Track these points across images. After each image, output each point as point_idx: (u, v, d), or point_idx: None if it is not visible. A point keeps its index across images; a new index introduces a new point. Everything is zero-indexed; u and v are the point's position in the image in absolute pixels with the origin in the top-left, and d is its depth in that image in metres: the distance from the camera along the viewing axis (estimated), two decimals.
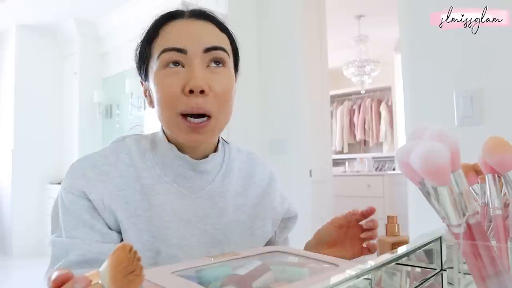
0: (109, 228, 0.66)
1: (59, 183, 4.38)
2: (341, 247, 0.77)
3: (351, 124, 5.48)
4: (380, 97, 5.30)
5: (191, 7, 0.72)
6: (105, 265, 0.32)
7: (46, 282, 0.62)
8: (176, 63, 0.66)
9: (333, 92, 5.22)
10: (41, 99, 4.45)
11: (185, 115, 0.65)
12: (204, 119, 0.66)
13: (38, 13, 4.06)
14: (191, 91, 0.64)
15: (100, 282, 0.31)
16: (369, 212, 0.77)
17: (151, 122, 3.78)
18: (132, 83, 3.85)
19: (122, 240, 0.66)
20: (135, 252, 0.32)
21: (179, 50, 0.66)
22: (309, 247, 0.79)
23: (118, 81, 4.21)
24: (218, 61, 0.68)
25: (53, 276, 0.32)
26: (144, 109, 3.94)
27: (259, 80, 2.55)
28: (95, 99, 4.37)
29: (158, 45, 0.68)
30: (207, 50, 0.66)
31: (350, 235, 0.77)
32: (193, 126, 0.65)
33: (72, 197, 0.65)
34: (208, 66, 0.67)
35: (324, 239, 0.78)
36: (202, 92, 0.64)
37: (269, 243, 0.80)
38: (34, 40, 4.42)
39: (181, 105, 0.65)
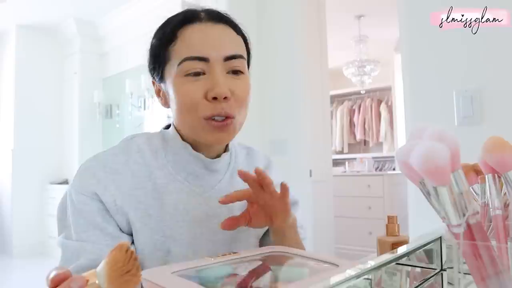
0: (121, 230, 0.65)
1: (59, 183, 4.40)
2: (273, 216, 0.70)
3: (351, 124, 5.48)
4: (380, 97, 5.29)
5: (187, 6, 0.72)
6: (102, 265, 0.32)
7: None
8: (198, 73, 0.66)
9: (333, 92, 5.22)
10: (41, 99, 4.45)
11: (208, 118, 0.66)
12: (229, 120, 0.67)
13: (38, 13, 4.06)
14: (214, 98, 0.65)
15: (97, 281, 0.32)
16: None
17: (152, 122, 3.79)
18: (132, 83, 3.85)
19: (133, 242, 0.66)
20: (132, 252, 0.32)
21: (202, 59, 0.66)
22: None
23: (118, 81, 4.22)
24: (237, 71, 0.69)
25: (51, 275, 0.32)
26: (144, 109, 3.94)
27: (259, 80, 2.55)
28: (95, 99, 4.37)
29: (178, 51, 0.67)
30: (228, 58, 0.67)
31: (264, 201, 0.69)
32: (218, 126, 0.66)
33: (83, 198, 0.64)
34: (227, 73, 0.68)
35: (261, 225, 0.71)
36: (225, 98, 0.65)
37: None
38: (34, 40, 4.42)
39: (204, 110, 0.65)
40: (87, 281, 0.32)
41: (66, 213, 0.66)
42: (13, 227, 4.21)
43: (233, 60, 0.68)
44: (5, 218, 4.36)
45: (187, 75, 0.66)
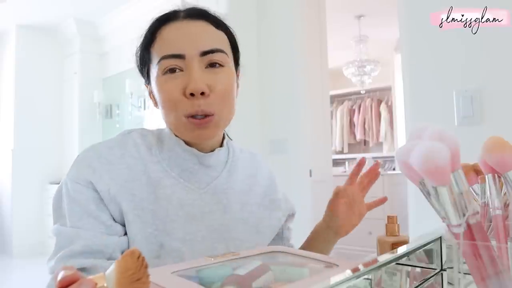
0: (114, 220, 0.66)
1: (59, 183, 4.44)
2: (350, 219, 0.82)
3: (351, 124, 5.47)
4: (380, 97, 5.29)
5: (187, 6, 0.72)
6: (111, 269, 0.32)
7: (48, 268, 0.63)
8: (174, 69, 0.67)
9: (333, 92, 5.21)
10: (41, 99, 4.45)
11: (188, 116, 0.66)
12: (209, 118, 0.67)
13: (38, 13, 4.06)
14: (192, 94, 0.65)
15: (105, 285, 0.31)
16: (359, 168, 0.86)
17: (152, 122, 3.78)
18: (132, 83, 3.85)
19: (126, 233, 0.66)
20: (143, 259, 0.32)
21: (178, 56, 0.66)
22: (322, 234, 0.84)
23: (118, 81, 4.22)
24: (215, 63, 0.68)
25: (60, 276, 0.32)
26: (144, 109, 3.94)
27: (259, 80, 2.55)
28: (95, 99, 4.37)
29: (157, 50, 0.69)
30: (204, 53, 0.67)
31: (352, 203, 0.83)
32: (198, 123, 0.66)
33: (78, 187, 0.65)
34: (206, 67, 0.68)
35: (336, 223, 0.82)
36: (202, 94, 0.65)
37: (277, 235, 0.83)
38: (34, 40, 4.42)
39: (184, 109, 0.66)
40: (96, 284, 0.31)
41: (62, 203, 0.66)
42: (13, 227, 4.21)
43: (211, 55, 0.68)
44: (5, 218, 4.36)
45: (165, 73, 0.67)
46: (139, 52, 0.73)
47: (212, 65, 0.68)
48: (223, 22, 0.73)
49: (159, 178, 0.69)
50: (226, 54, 0.70)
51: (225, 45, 0.71)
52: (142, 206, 0.66)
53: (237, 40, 0.76)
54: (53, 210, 0.68)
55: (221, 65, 0.69)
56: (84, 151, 0.70)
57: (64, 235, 0.63)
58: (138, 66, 0.75)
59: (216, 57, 0.68)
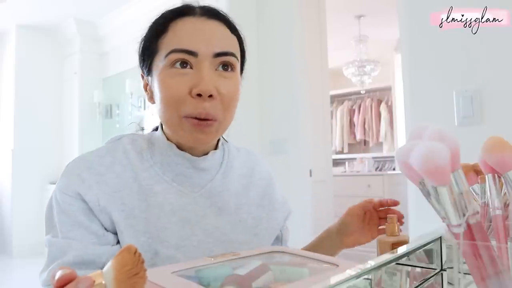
0: (105, 229, 0.64)
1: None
2: (359, 234, 0.84)
3: (351, 124, 5.47)
4: (380, 97, 5.29)
5: (201, 3, 0.70)
6: (109, 266, 0.32)
7: (40, 280, 0.62)
8: (184, 63, 0.65)
9: (333, 92, 5.21)
10: (41, 99, 4.45)
11: (188, 117, 0.64)
12: (210, 121, 0.65)
13: (38, 13, 4.06)
14: (199, 95, 0.63)
15: (103, 282, 0.32)
16: (389, 203, 0.84)
17: (151, 122, 3.79)
18: (132, 83, 3.85)
19: (118, 241, 0.65)
20: (140, 255, 0.32)
21: (190, 53, 0.64)
22: (331, 236, 0.87)
23: (118, 81, 4.22)
24: (227, 66, 0.67)
25: (57, 276, 0.32)
26: (144, 109, 3.94)
27: (259, 80, 2.55)
28: (95, 99, 4.38)
29: (167, 43, 0.66)
30: (218, 55, 0.66)
31: (367, 220, 0.84)
32: (197, 124, 0.64)
33: (67, 198, 0.63)
34: (216, 69, 0.66)
35: (345, 230, 0.85)
36: (210, 96, 0.64)
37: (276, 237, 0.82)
38: (34, 40, 4.42)
39: (187, 108, 0.64)
40: (94, 281, 0.32)
41: (53, 213, 0.65)
42: (13, 227, 4.21)
43: (224, 57, 0.66)
44: (5, 218, 4.36)
45: (174, 66, 0.65)
46: (144, 40, 0.70)
47: (224, 67, 0.67)
48: (237, 28, 0.72)
49: (150, 185, 0.67)
50: (237, 59, 0.69)
51: (237, 51, 0.70)
52: (134, 215, 0.64)
53: (246, 49, 0.74)
54: (45, 220, 0.67)
55: (231, 69, 0.68)
56: (74, 161, 0.68)
57: (56, 246, 0.62)
58: (140, 55, 0.72)
59: (228, 59, 0.67)
